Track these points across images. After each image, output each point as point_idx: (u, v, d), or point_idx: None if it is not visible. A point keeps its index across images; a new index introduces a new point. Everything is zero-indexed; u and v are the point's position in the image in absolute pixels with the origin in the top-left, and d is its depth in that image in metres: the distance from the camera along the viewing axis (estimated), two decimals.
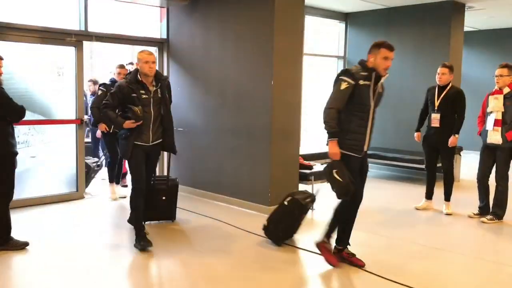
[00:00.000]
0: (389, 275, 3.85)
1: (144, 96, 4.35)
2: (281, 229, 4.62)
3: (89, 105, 7.84)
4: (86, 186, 6.51)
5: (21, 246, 4.31)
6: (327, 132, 3.78)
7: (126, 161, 5.95)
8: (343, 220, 4.05)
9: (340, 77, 3.77)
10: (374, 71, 3.76)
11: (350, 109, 3.78)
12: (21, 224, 4.92)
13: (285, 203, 4.65)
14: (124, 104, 4.39)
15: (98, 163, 6.88)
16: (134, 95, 4.32)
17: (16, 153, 4.25)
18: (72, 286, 3.65)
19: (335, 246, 4.13)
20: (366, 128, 3.85)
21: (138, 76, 4.37)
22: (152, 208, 5.05)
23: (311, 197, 4.77)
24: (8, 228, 4.30)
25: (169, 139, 4.61)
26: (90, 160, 6.78)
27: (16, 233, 4.39)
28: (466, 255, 4.44)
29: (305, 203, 4.63)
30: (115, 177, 6.47)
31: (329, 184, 3.83)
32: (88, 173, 6.50)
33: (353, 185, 3.73)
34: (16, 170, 4.32)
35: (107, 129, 6.11)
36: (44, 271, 3.90)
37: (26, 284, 3.67)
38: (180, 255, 4.29)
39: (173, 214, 5.31)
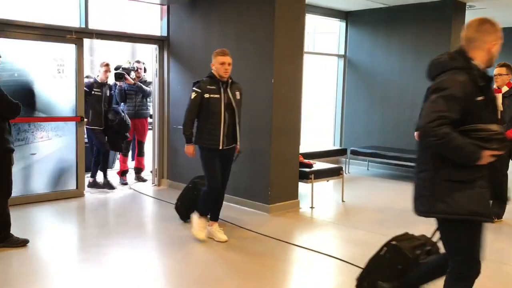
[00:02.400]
0: None
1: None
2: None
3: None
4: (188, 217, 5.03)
5: (21, 243, 4.31)
6: None
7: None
8: None
9: None
10: None
11: None
12: (21, 221, 4.92)
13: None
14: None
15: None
16: (480, 98, 2.46)
17: (13, 150, 4.23)
18: (72, 284, 3.67)
19: None
20: None
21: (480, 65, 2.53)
22: None
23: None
24: (8, 225, 4.31)
25: None
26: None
27: (16, 231, 4.40)
28: None
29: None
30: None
31: None
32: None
33: None
34: (16, 167, 4.32)
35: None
36: (43, 269, 3.92)
37: (25, 282, 3.67)
38: (179, 254, 4.31)
39: None
